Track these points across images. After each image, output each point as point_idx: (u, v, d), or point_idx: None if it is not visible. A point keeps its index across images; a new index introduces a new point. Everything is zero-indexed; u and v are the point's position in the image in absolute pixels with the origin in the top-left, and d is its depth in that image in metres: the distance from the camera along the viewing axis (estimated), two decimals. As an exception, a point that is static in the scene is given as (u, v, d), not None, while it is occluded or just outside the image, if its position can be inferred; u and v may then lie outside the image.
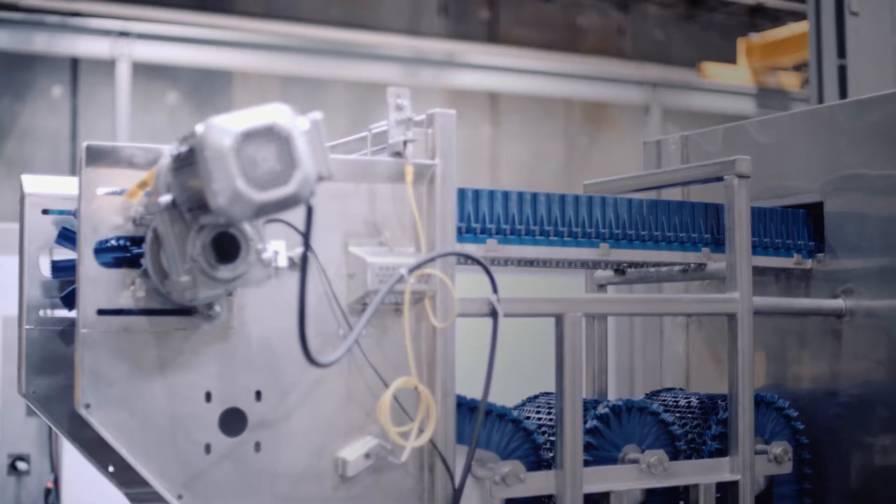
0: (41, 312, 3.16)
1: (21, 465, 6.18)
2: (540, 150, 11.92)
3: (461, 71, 11.19)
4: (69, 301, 3.09)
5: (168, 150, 2.66)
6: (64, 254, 3.15)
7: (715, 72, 12.05)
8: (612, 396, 4.00)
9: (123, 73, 9.87)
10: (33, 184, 3.20)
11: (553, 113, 12.00)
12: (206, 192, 2.40)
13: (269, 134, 2.41)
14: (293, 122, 2.45)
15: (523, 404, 3.65)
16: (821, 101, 6.72)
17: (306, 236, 2.57)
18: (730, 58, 12.29)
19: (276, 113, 2.44)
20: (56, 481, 6.18)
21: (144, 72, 10.24)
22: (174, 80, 10.75)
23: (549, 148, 11.99)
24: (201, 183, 2.42)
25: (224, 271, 2.63)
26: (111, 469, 3.22)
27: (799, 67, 11.96)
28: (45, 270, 3.19)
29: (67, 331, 3.13)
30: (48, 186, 3.22)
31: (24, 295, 3.16)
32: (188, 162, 2.49)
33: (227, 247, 2.63)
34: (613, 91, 11.69)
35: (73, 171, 10.26)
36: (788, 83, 12.31)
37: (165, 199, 2.60)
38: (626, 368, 7.62)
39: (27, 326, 3.14)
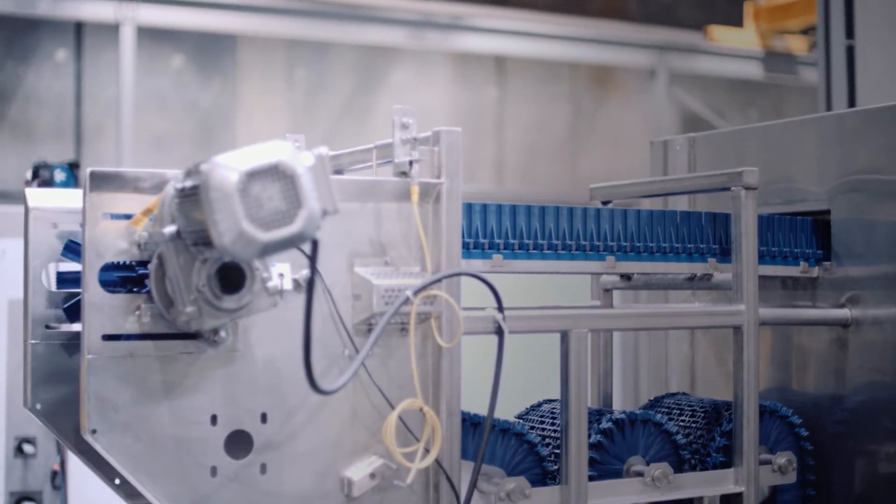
0: (46, 327, 3.15)
1: (28, 448, 6.19)
2: (546, 114, 11.88)
3: (467, 34, 11.14)
4: (71, 313, 3.09)
5: (173, 181, 2.65)
6: (69, 266, 3.13)
7: (722, 35, 11.99)
8: (618, 401, 4.01)
9: (128, 36, 9.83)
10: (38, 197, 3.17)
11: (559, 76, 11.95)
12: (211, 231, 2.39)
13: (274, 173, 2.40)
14: (297, 159, 2.43)
15: (526, 413, 3.65)
16: (828, 80, 6.66)
17: (312, 270, 2.56)
18: (737, 21, 12.22)
19: (280, 151, 2.42)
20: (62, 464, 6.20)
21: (149, 36, 10.21)
22: (179, 43, 10.71)
23: (555, 111, 11.95)
24: (205, 217, 2.41)
25: (229, 301, 2.63)
26: (117, 482, 3.23)
27: (806, 31, 11.89)
28: (51, 284, 3.17)
29: (72, 345, 3.13)
30: (53, 200, 3.19)
31: (29, 309, 3.15)
32: (192, 197, 2.48)
33: (232, 277, 2.62)
34: (620, 54, 11.64)
35: (77, 136, 10.25)
36: (796, 47, 12.24)
37: (170, 229, 2.59)
38: (632, 371, 7.63)
39: (32, 341, 3.13)
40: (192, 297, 2.62)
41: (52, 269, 3.19)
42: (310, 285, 2.58)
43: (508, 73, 11.81)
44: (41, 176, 6.52)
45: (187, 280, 2.62)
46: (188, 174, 2.55)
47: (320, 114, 11.02)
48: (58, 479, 6.25)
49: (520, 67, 11.77)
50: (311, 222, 2.43)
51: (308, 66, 11.12)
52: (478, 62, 11.64)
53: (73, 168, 6.74)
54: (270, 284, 2.64)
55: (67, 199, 3.19)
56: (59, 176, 6.58)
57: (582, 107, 12.11)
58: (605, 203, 3.92)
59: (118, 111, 9.75)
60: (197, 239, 2.52)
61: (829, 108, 6.73)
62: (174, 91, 10.73)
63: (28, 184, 6.53)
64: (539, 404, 3.69)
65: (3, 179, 9.82)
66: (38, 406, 3.13)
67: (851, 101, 6.63)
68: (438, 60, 11.51)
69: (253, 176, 2.39)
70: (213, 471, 2.81)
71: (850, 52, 6.62)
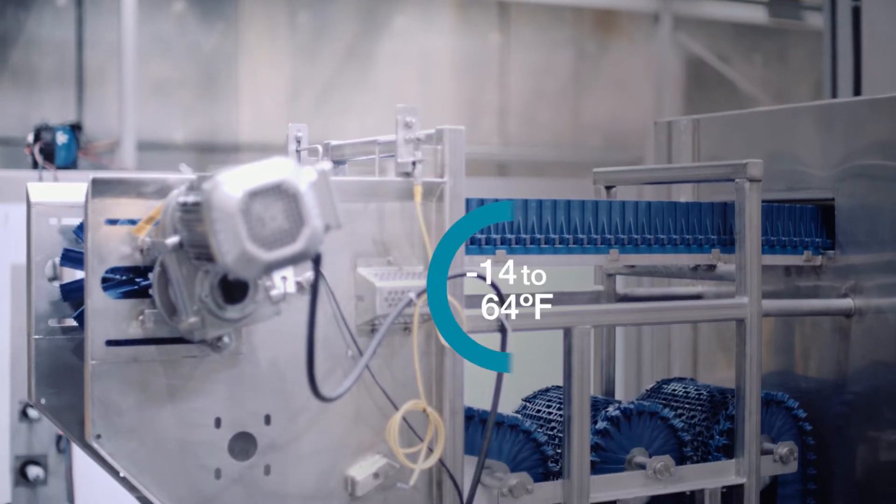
0: (49, 322, 3.15)
1: (32, 412, 6.19)
2: (550, 59, 11.81)
3: (471, -22, 11.07)
4: (83, 321, 3.08)
5: (176, 189, 2.65)
6: (71, 275, 3.13)
7: (727, -22, 11.89)
8: (620, 384, 4.02)
9: (129, -20, 9.74)
10: (39, 192, 3.16)
11: (563, 21, 11.86)
12: (213, 249, 2.39)
13: (277, 192, 2.39)
14: (300, 176, 2.42)
15: (523, 408, 3.66)
16: (833, 38, 6.61)
17: (316, 284, 2.56)
18: (743, -36, 12.13)
19: (282, 168, 2.41)
20: (67, 428, 6.23)
21: (151, -21, 10.14)
22: (181, -12, 10.64)
23: (559, 57, 11.87)
24: (207, 235, 2.41)
25: (232, 312, 2.63)
26: (122, 474, 3.25)
27: (813, -25, 11.79)
28: (57, 267, 3.17)
29: (76, 339, 3.13)
30: (55, 194, 3.18)
31: (32, 305, 3.15)
32: (195, 213, 2.47)
33: (234, 287, 2.63)
34: (624, -2, 11.56)
35: (79, 82, 10.22)
36: (802, -9, 12.15)
37: (173, 240, 2.58)
38: (634, 354, 7.63)
39: (36, 336, 3.13)
40: (195, 307, 2.63)
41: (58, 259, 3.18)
42: (313, 300, 2.58)
43: (512, 19, 11.73)
44: (43, 138, 6.49)
45: (190, 290, 2.62)
46: (190, 188, 2.55)
47: (323, 58, 10.96)
48: (62, 442, 6.28)
49: (523, 12, 11.68)
50: (314, 240, 2.43)
51: (310, 11, 11.04)
52: (481, 7, 11.55)
53: (74, 129, 6.71)
54: (273, 293, 2.63)
55: (70, 193, 3.18)
56: (61, 138, 6.55)
57: (586, 52, 12.02)
58: (608, 188, 3.91)
59: (120, 56, 9.68)
60: (199, 254, 2.52)
61: (834, 67, 6.69)
62: (176, 36, 10.65)
63: (30, 147, 6.51)
64: (534, 396, 3.70)
65: (7, 125, 9.79)
66: (43, 401, 3.14)
67: (857, 61, 6.58)
68: (441, 5, 11.42)
69: (255, 195, 2.38)
70: (218, 473, 2.83)
71: (857, 13, 6.56)
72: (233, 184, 2.38)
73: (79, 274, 2.99)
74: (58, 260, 3.12)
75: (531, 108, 11.62)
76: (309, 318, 2.58)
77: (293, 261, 2.44)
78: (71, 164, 6.58)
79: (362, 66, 10.99)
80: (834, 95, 6.68)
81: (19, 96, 9.99)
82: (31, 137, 6.54)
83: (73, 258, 3.05)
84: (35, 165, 6.37)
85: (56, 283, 3.14)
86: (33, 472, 6.17)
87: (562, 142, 11.47)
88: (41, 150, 6.41)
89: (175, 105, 10.51)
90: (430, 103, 10.49)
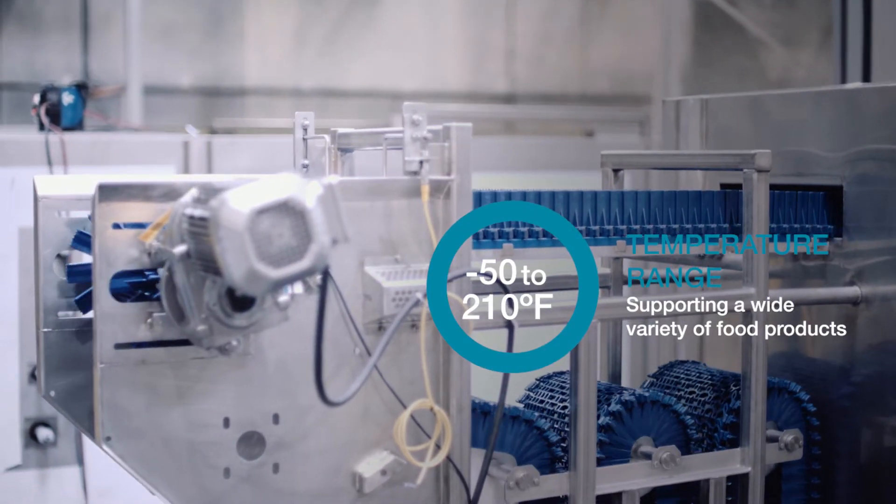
0: (58, 314, 3.16)
1: (41, 375, 6.22)
2: (555, 6, 11.74)
3: (475, -76, 10.96)
4: (83, 304, 3.10)
5: (183, 198, 2.65)
6: (78, 258, 3.14)
7: (738, -80, 11.77)
8: (626, 367, 4.03)
9: (134, -78, 9.66)
10: (46, 185, 3.16)
11: (570, -34, 11.78)
12: (221, 266, 2.40)
13: (284, 209, 2.39)
14: (306, 192, 2.42)
15: (525, 398, 3.67)
16: (843, 7, 6.55)
17: (323, 298, 2.57)
18: None
19: (289, 185, 2.41)
20: (77, 390, 6.25)
21: (158, -75, 10.06)
22: (189, -67, 10.55)
23: (566, 3, 11.80)
24: (214, 251, 2.41)
25: (240, 319, 2.64)
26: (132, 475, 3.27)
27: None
28: (60, 273, 3.18)
29: (84, 331, 3.15)
30: (62, 187, 3.18)
31: (41, 298, 3.16)
32: (202, 227, 2.47)
33: (242, 295, 2.63)
34: (632, -58, 11.46)
35: (84, 26, 10.16)
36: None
37: (180, 249, 2.59)
38: (640, 337, 7.62)
39: (45, 329, 3.15)
40: (203, 315, 2.63)
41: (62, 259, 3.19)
42: (320, 312, 2.58)
43: (518, -37, 11.65)
44: (49, 99, 6.47)
45: (198, 298, 2.63)
46: (197, 201, 2.55)
47: (329, 2, 10.90)
48: (71, 405, 6.31)
49: (530, -43, 11.60)
50: (322, 257, 2.43)
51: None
52: (487, -49, 11.47)
53: (80, 90, 6.69)
54: (281, 300, 2.65)
55: (77, 185, 3.19)
56: (67, 98, 6.53)
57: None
58: (615, 171, 3.89)
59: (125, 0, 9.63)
60: (206, 266, 2.52)
61: (843, 21, 6.63)
62: (183, -14, 10.59)
63: (35, 108, 6.49)
64: (536, 385, 3.71)
65: (12, 71, 9.76)
66: (53, 393, 3.16)
67: (867, 15, 6.53)
68: (446, -49, 11.34)
69: (262, 213, 2.38)
70: (227, 472, 2.86)
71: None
72: (240, 201, 2.38)
73: (87, 258, 3.00)
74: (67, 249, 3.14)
75: (538, 50, 11.55)
76: (316, 328, 2.60)
77: (300, 277, 2.44)
78: (77, 125, 6.56)
79: (368, 7, 10.92)
80: (843, 58, 6.64)
81: (24, 41, 9.95)
82: (36, 99, 6.53)
83: (85, 241, 3.05)
84: (41, 127, 6.36)
85: (65, 254, 3.15)
86: (43, 433, 6.20)
87: (568, 84, 11.41)
88: (47, 112, 6.40)
89: (181, 49, 10.46)
90: (437, 45, 10.42)
